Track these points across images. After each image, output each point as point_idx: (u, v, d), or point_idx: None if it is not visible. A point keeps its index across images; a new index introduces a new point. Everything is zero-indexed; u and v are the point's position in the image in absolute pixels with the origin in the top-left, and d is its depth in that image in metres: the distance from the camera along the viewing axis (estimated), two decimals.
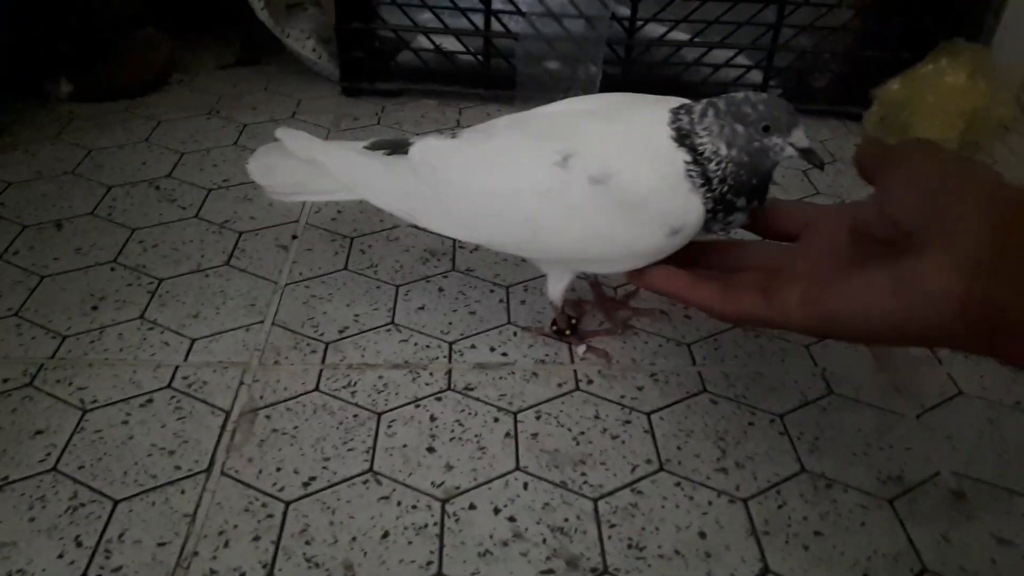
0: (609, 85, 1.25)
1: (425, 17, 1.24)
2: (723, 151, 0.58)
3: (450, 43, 1.27)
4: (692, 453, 0.69)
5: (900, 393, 0.75)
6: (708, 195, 0.59)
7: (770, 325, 0.56)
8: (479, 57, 1.27)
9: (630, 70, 1.26)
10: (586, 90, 1.25)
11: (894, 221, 0.48)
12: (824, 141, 1.23)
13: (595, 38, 1.22)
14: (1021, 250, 0.41)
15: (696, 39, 1.24)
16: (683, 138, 0.59)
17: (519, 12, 1.22)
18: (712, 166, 0.58)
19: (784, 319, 0.53)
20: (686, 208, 0.59)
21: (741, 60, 1.27)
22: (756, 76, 1.28)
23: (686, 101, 0.63)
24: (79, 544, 0.59)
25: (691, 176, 0.59)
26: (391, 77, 1.30)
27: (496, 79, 1.28)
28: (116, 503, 0.62)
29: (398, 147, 0.73)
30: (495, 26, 1.24)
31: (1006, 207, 0.43)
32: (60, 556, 0.58)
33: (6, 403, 0.71)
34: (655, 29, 1.24)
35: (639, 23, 1.23)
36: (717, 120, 0.58)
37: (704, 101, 0.60)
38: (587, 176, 0.60)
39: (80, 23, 1.22)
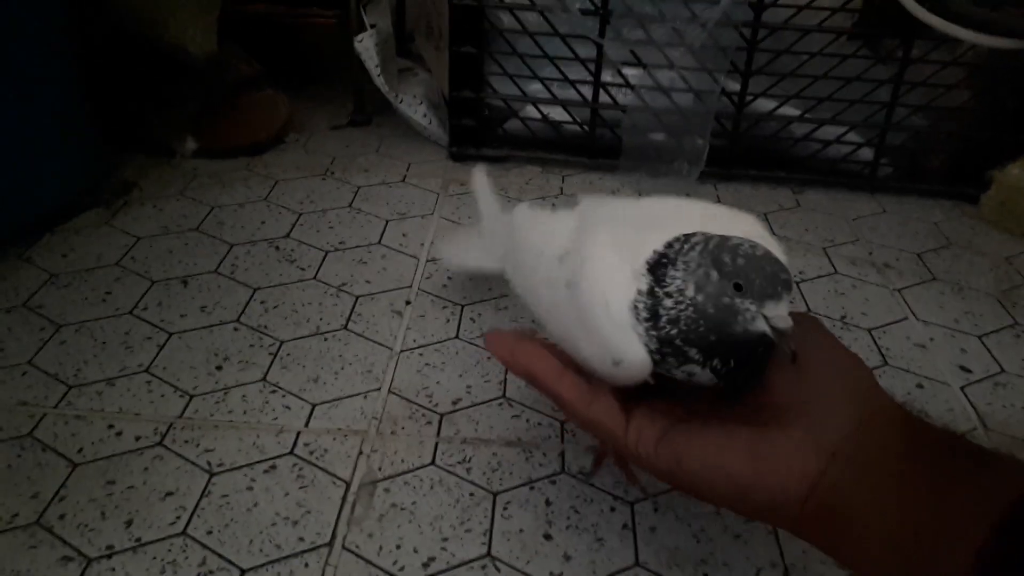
0: (716, 158, 1.25)
1: (534, 87, 1.27)
2: (688, 292, 0.48)
3: (557, 112, 1.29)
4: (818, 559, 0.67)
5: None
6: (652, 332, 0.50)
7: (617, 444, 0.52)
8: (585, 127, 1.29)
9: (738, 143, 1.26)
10: (692, 163, 1.25)
11: (770, 388, 0.48)
12: (937, 223, 1.20)
13: (703, 112, 1.22)
14: (873, 450, 0.44)
15: (806, 115, 1.23)
16: (658, 266, 0.50)
17: (628, 85, 1.23)
18: (668, 303, 0.49)
19: (634, 443, 0.50)
20: (622, 340, 0.51)
21: (852, 137, 1.25)
22: (867, 154, 1.26)
23: (753, 222, 0.56)
24: None
25: (636, 308, 0.50)
26: (498, 143, 1.33)
27: (601, 148, 1.29)
28: (244, 572, 0.64)
29: None
30: (603, 97, 1.25)
31: (872, 408, 0.46)
32: None
33: (139, 461, 0.73)
34: (765, 104, 1.24)
35: (748, 98, 1.23)
36: (699, 257, 0.49)
37: (701, 234, 0.50)
38: (566, 278, 0.56)
39: (205, 85, 1.29)
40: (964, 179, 1.24)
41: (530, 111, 1.29)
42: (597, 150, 1.30)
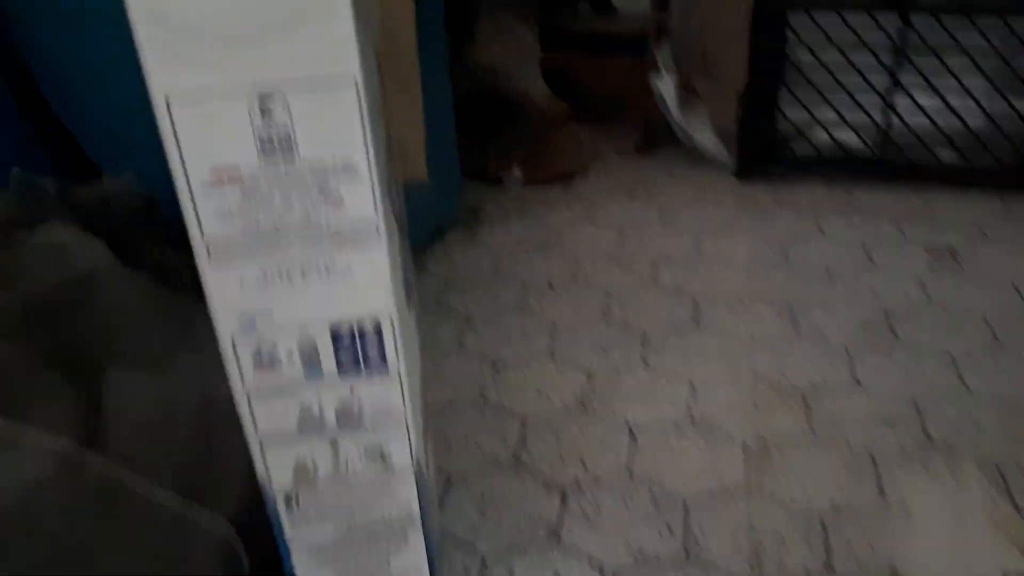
0: (1001, 172, 1.33)
1: (824, 111, 1.40)
2: None
3: (846, 134, 1.41)
4: None
5: None
6: None
7: None
8: (873, 148, 1.40)
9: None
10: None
11: None
12: None
13: (990, 131, 1.31)
14: None
15: None
16: None
17: (920, 108, 1.34)
18: None
19: None
20: None
21: None
22: None
23: None
24: (669, 531, 0.78)
25: None
26: (783, 163, 1.47)
27: (888, 166, 1.40)
28: (685, 500, 0.81)
29: None
30: (894, 120, 1.37)
31: None
32: (659, 535, 0.77)
33: (570, 418, 0.93)
34: None
35: None
36: None
37: None
38: None
39: (521, 122, 1.52)
40: None
41: (818, 134, 1.42)
42: (884, 168, 1.40)
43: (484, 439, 0.91)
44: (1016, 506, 0.78)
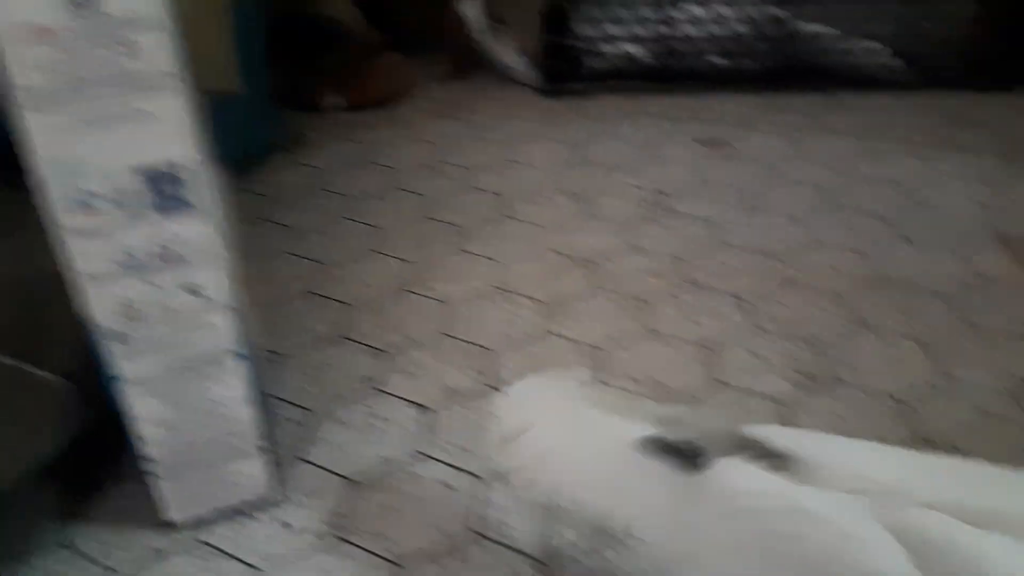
0: (768, 75, 1.53)
1: (614, 28, 1.55)
2: None
3: (634, 48, 1.57)
4: None
5: None
6: None
7: None
8: (657, 59, 1.57)
9: (781, 59, 1.54)
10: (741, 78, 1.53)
11: None
12: (953, 108, 1.47)
13: (754, 36, 1.51)
14: None
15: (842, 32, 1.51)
16: None
17: (689, 21, 1.51)
18: None
19: None
20: None
21: (881, 47, 1.52)
22: (891, 58, 1.53)
23: None
24: (479, 372, 0.91)
25: None
26: (581, 78, 1.61)
27: (670, 74, 1.58)
28: (492, 350, 0.94)
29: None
30: (671, 31, 1.54)
31: None
32: (467, 377, 0.90)
33: (392, 300, 1.04)
34: (807, 26, 1.52)
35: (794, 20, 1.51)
36: None
37: None
38: None
39: (341, 51, 1.59)
40: (975, 73, 1.52)
41: (609, 49, 1.58)
42: (667, 76, 1.58)
43: (311, 323, 1.00)
44: (759, 325, 0.96)
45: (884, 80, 1.55)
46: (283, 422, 0.86)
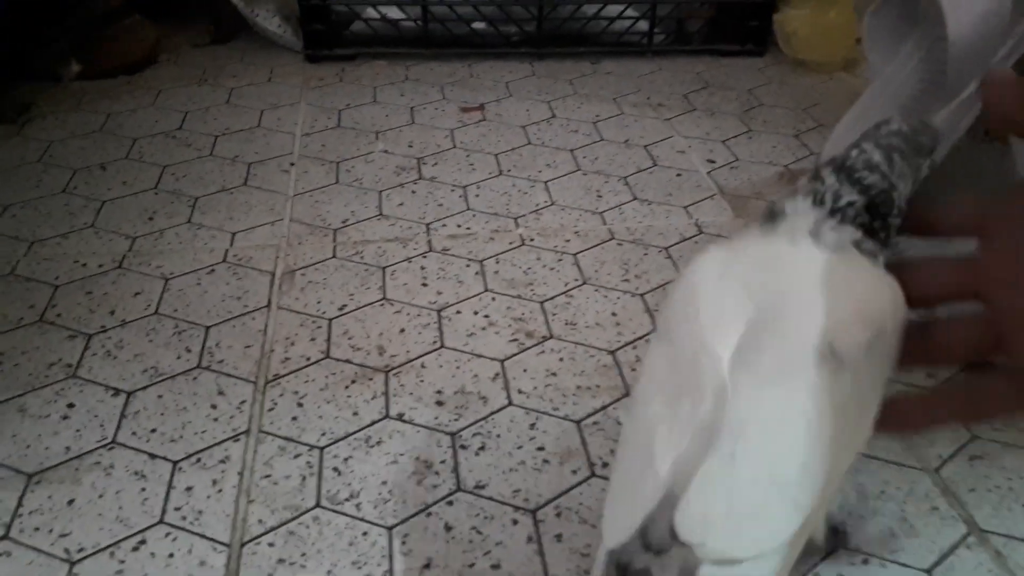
0: (529, 40, 1.54)
1: None
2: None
3: (394, 12, 1.54)
4: None
5: None
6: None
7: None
8: (419, 23, 1.54)
9: (544, 26, 1.56)
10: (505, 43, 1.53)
11: None
12: (699, 72, 1.55)
13: (515, 2, 1.51)
14: None
15: None
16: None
17: None
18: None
19: None
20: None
21: (631, 12, 1.57)
22: (643, 25, 1.59)
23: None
24: (188, 350, 0.86)
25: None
26: (346, 44, 1.56)
27: (435, 40, 1.56)
28: (208, 328, 0.89)
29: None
30: None
31: None
32: (178, 358, 0.85)
33: (106, 278, 0.96)
34: None
35: None
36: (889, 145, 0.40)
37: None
38: None
39: (78, 15, 1.45)
40: (720, 38, 1.60)
41: (371, 13, 1.54)
42: (432, 42, 1.56)
43: (10, 309, 0.91)
44: (489, 288, 0.97)
45: (641, 46, 1.60)
46: None
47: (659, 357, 0.41)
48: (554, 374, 0.84)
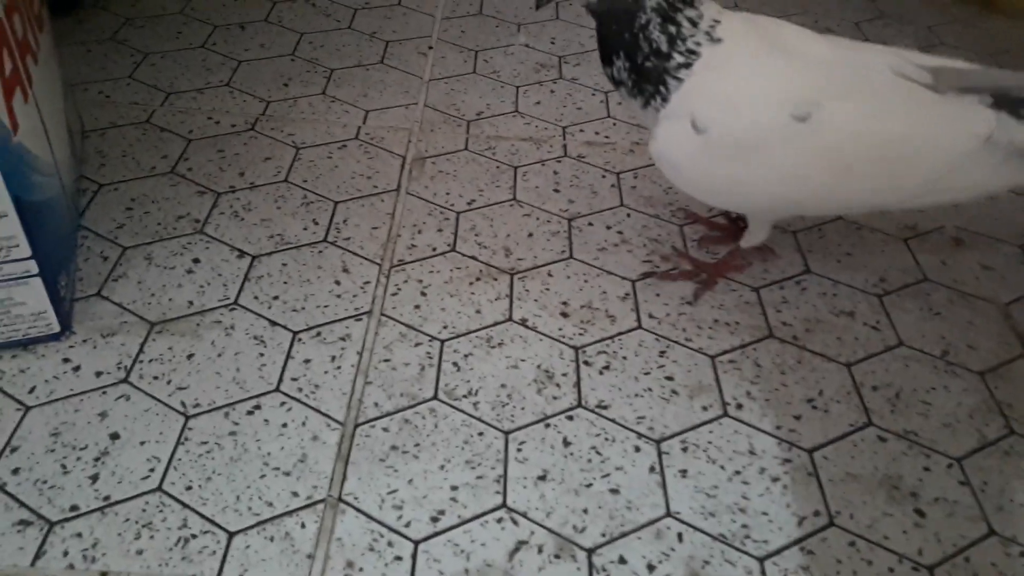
0: None
1: None
2: None
3: None
4: None
5: None
6: None
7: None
8: None
9: None
10: None
11: None
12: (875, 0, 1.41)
13: None
14: None
15: None
16: None
17: None
18: None
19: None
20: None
21: None
22: None
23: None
24: (316, 223, 0.83)
25: None
26: None
27: None
28: (336, 203, 0.86)
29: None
30: None
31: None
32: (304, 229, 0.82)
33: (238, 139, 0.94)
34: None
35: None
36: None
37: None
38: None
39: None
40: None
41: None
42: None
43: (143, 155, 0.90)
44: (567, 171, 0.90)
45: None
46: (91, 256, 0.77)
47: None
48: (689, 303, 0.78)
